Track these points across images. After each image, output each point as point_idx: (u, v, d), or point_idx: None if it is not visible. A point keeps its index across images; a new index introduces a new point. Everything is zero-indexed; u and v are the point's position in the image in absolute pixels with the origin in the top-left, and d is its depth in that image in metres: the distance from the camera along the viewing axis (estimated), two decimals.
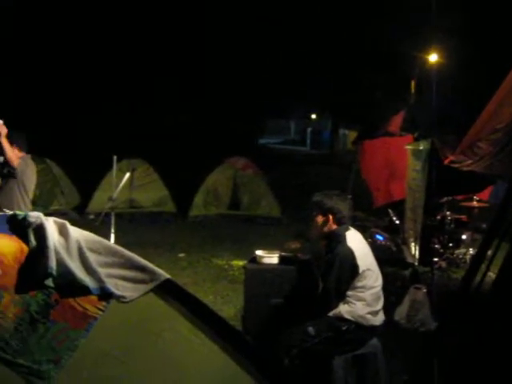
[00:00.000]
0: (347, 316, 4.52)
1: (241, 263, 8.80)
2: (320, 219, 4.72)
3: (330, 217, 4.67)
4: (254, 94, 31.14)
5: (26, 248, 2.38)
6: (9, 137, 6.75)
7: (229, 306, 7.30)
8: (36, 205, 12.92)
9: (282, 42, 27.31)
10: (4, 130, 6.66)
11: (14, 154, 6.72)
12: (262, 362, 2.75)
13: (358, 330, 4.54)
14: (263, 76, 28.90)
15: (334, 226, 4.69)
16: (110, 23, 25.24)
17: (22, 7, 23.56)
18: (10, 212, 2.63)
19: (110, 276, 2.49)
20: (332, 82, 28.69)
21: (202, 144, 26.05)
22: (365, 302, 4.54)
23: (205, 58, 28.07)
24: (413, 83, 19.75)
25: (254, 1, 25.93)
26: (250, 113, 34.75)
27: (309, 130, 45.84)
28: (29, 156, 7.08)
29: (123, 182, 8.93)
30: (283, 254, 5.81)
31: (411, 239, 9.33)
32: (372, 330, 4.61)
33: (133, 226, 12.57)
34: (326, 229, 4.71)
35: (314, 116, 46.07)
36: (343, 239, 4.59)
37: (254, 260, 5.84)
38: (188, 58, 28.12)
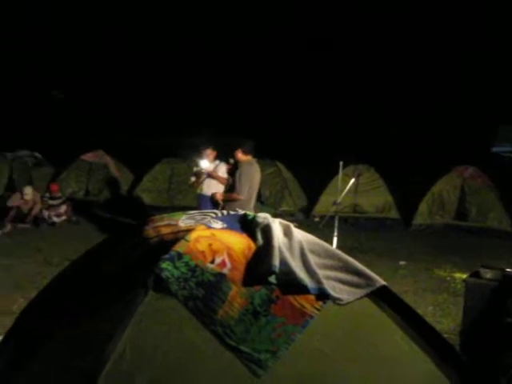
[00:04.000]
0: None
1: (464, 276, 8.46)
2: None
3: None
4: (487, 100, 29.66)
5: (253, 246, 2.61)
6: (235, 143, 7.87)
7: (448, 318, 7.09)
8: (266, 205, 13.69)
9: None
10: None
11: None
12: (474, 380, 2.69)
13: None
14: (498, 79, 27.45)
15: None
16: None
17: None
18: (242, 212, 2.90)
19: (328, 278, 2.61)
20: None
21: (429, 151, 25.44)
22: None
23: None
24: None
25: None
26: (483, 119, 33.12)
27: None
28: (254, 160, 7.72)
29: (348, 187, 9.16)
30: (508, 270, 5.52)
31: None
32: None
33: (355, 230, 12.69)
34: None
35: None
36: None
37: (477, 274, 5.62)
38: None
